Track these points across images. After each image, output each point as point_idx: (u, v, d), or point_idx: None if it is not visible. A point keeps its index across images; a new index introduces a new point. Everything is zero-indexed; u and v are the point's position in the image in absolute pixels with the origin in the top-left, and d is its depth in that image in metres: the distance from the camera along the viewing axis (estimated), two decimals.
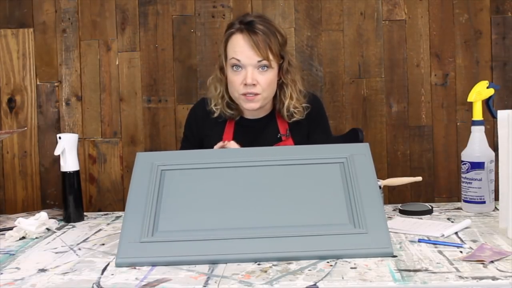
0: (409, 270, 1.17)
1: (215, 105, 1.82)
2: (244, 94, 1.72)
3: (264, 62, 1.71)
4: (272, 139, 1.81)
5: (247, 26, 1.72)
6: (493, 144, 2.00)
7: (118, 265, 1.25)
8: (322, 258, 1.24)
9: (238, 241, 1.26)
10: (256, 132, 1.83)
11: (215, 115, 1.82)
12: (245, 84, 1.71)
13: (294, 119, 1.80)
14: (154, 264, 1.24)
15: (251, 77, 1.70)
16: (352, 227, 1.29)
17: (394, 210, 1.72)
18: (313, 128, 1.84)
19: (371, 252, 1.25)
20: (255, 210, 1.33)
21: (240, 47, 1.71)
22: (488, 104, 1.75)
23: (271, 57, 1.71)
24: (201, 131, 1.88)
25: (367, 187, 1.36)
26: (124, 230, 1.31)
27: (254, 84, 1.71)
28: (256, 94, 1.72)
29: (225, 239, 1.27)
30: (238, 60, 1.71)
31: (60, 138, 1.72)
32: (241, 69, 1.72)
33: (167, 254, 1.25)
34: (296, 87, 1.80)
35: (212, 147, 1.80)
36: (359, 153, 1.44)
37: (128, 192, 1.40)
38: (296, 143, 1.81)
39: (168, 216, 1.34)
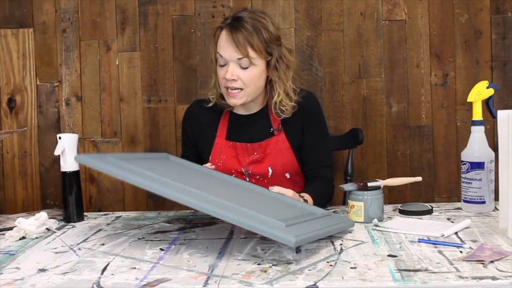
0: (409, 270, 1.17)
1: (211, 94, 1.88)
2: (227, 88, 1.76)
3: (244, 59, 1.73)
4: (264, 133, 1.84)
5: (233, 22, 1.75)
6: (493, 144, 2.00)
7: (77, 159, 1.50)
8: (239, 223, 1.26)
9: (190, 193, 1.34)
10: (250, 126, 1.85)
11: (210, 104, 1.87)
12: (226, 79, 1.75)
13: (283, 117, 1.82)
14: (109, 172, 1.39)
15: (231, 72, 1.74)
16: (276, 221, 1.28)
17: (394, 210, 1.72)
18: (306, 126, 1.84)
19: (270, 231, 1.24)
20: (220, 193, 1.43)
21: (223, 43, 1.75)
22: (488, 104, 1.75)
23: (252, 54, 1.73)
24: (196, 132, 1.90)
25: (332, 218, 1.50)
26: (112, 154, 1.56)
27: (234, 80, 1.74)
28: (239, 90, 1.75)
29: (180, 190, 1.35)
30: (221, 56, 1.76)
31: (60, 138, 1.72)
32: (225, 64, 1.76)
33: (128, 171, 1.38)
34: (286, 84, 1.80)
35: (206, 144, 1.86)
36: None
37: None
38: (289, 138, 1.83)
39: (148, 164, 1.53)
